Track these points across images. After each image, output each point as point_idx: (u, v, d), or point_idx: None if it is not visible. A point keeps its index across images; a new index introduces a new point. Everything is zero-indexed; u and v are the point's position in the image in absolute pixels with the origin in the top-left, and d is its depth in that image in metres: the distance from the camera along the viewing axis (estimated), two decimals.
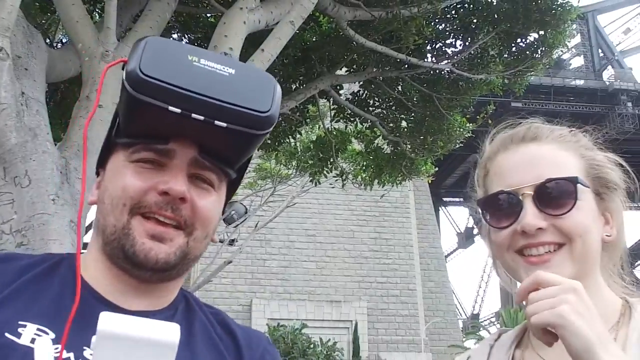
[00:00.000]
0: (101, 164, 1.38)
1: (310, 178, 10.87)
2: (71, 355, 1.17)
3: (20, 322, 1.17)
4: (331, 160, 10.23)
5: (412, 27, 7.42)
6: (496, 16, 8.85)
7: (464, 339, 66.54)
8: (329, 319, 55.20)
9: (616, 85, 78.76)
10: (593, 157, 1.50)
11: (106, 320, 0.96)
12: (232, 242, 18.70)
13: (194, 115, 1.20)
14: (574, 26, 76.21)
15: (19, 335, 1.15)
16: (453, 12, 9.18)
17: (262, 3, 5.61)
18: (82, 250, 1.29)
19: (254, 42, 5.81)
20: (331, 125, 10.42)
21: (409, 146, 10.18)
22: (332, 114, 10.32)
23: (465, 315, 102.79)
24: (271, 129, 1.30)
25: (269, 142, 9.36)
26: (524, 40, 9.31)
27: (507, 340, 1.54)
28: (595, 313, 1.20)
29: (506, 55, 9.38)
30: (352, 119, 10.23)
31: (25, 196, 3.72)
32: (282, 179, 18.58)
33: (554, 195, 1.39)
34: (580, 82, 79.87)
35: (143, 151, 1.29)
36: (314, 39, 9.00)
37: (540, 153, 1.47)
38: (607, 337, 1.18)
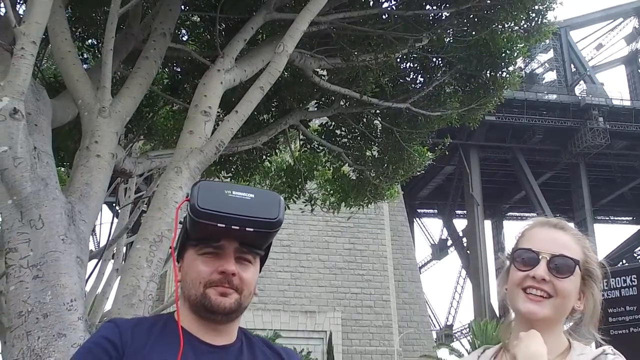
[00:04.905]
0: (180, 255, 2.24)
1: None
2: None
3: None
4: (300, 187, 11.16)
5: (370, 76, 8.41)
6: (452, 59, 9.73)
7: (434, 348, 67.13)
8: (304, 329, 55.57)
9: (588, 100, 79.34)
10: (589, 255, 2.32)
11: None
12: None
13: (233, 227, 2.07)
14: (547, 41, 77.13)
15: None
16: (413, 53, 10.01)
17: (236, 62, 6.51)
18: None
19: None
20: (300, 155, 11.35)
21: (373, 174, 11.08)
22: (301, 145, 11.30)
23: (439, 325, 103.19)
24: (280, 225, 2.15)
25: (241, 172, 10.27)
26: (477, 79, 10.19)
27: (489, 353, 2.42)
28: None
29: (461, 93, 10.27)
30: (319, 149, 11.18)
31: (39, 236, 4.52)
32: None
33: (561, 265, 2.21)
34: (552, 97, 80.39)
35: (205, 248, 2.15)
36: (285, 75, 9.78)
37: (561, 238, 2.31)
38: None
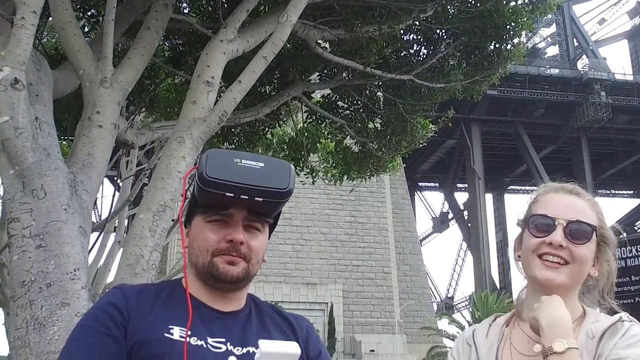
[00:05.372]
0: (188, 221, 2.22)
1: None
2: (202, 342, 2.01)
3: (169, 327, 2.02)
4: (302, 159, 11.14)
5: (373, 48, 8.36)
6: (456, 31, 9.67)
7: (436, 319, 67.57)
8: (305, 301, 56.01)
9: (590, 75, 79.27)
10: (603, 221, 2.31)
11: (264, 344, 1.75)
12: None
13: (241, 196, 2.03)
14: (550, 16, 76.76)
15: (171, 334, 2.00)
16: (417, 23, 9.95)
17: (239, 33, 6.45)
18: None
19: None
20: (303, 126, 11.33)
21: (376, 146, 11.06)
22: (305, 117, 11.27)
23: (440, 297, 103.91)
24: (291, 195, 2.10)
25: (243, 144, 10.23)
26: (481, 51, 10.13)
27: (500, 321, 2.39)
28: None
29: (465, 65, 10.21)
30: (322, 121, 11.16)
31: (42, 206, 4.50)
32: None
33: (578, 231, 2.19)
34: (555, 71, 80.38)
35: (213, 215, 2.12)
36: (288, 46, 9.72)
37: (577, 203, 2.29)
38: None
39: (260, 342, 1.74)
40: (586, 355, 2.07)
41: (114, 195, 12.06)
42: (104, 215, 13.85)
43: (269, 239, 2.26)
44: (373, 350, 56.72)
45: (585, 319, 2.21)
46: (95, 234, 9.85)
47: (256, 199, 2.04)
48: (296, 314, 2.40)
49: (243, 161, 2.05)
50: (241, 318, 2.18)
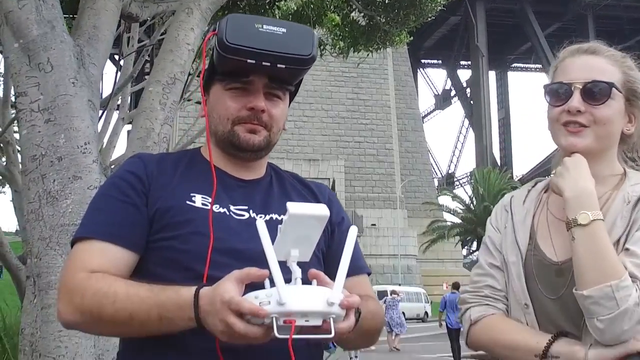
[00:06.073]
0: (206, 89, 2.16)
1: None
2: (224, 210, 2.00)
3: (191, 195, 2.00)
4: None
5: None
6: None
7: (438, 195, 68.63)
8: (307, 177, 56.46)
9: None
10: (630, 74, 2.19)
11: (292, 206, 1.69)
12: None
13: (263, 63, 1.96)
14: None
15: (193, 202, 1.99)
16: None
17: None
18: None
19: None
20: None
21: (384, 20, 10.83)
22: None
23: (441, 174, 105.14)
24: (314, 62, 2.04)
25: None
26: None
27: (540, 187, 2.32)
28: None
29: None
30: None
31: (49, 80, 4.41)
32: None
33: (595, 92, 2.07)
34: None
35: (233, 83, 2.05)
36: None
37: (594, 62, 2.17)
38: None
39: (289, 204, 1.69)
40: (620, 221, 2.00)
41: (116, 73, 11.94)
42: (106, 93, 13.77)
43: (289, 106, 2.21)
44: (374, 225, 57.85)
45: (624, 181, 2.12)
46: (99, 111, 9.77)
47: (278, 65, 1.97)
48: (317, 182, 2.38)
49: (265, 26, 1.97)
50: (263, 186, 2.16)
